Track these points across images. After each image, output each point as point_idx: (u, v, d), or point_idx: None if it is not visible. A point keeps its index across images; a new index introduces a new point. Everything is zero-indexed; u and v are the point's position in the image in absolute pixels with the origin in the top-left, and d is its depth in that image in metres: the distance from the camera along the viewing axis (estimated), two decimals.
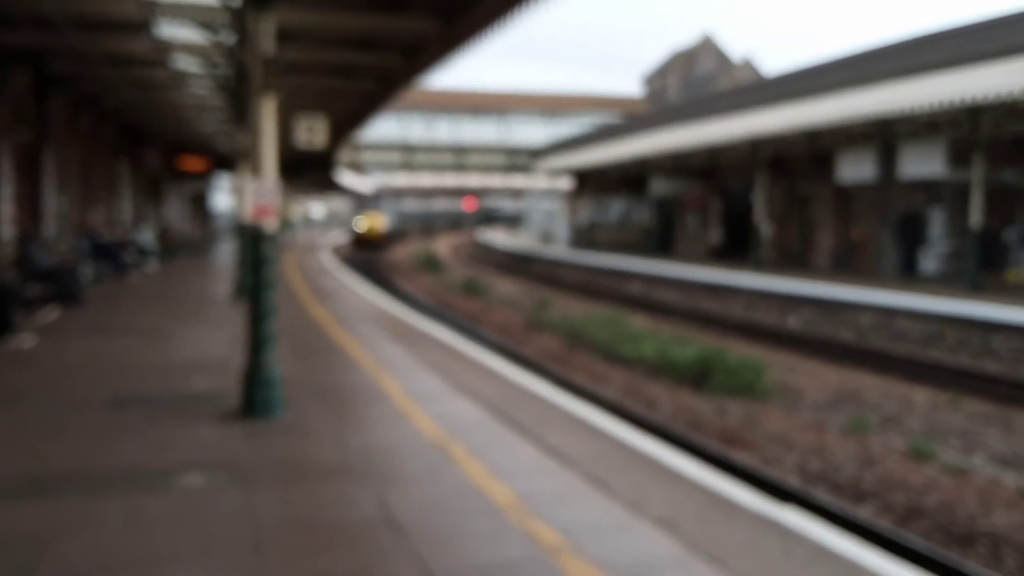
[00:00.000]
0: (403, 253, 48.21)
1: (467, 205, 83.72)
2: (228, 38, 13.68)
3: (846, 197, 29.06)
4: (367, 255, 41.34)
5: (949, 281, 23.47)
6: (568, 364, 14.83)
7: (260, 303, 7.38)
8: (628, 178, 43.93)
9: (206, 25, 13.73)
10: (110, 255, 20.68)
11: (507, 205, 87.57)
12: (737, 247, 35.76)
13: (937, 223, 25.00)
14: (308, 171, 37.59)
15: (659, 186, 40.09)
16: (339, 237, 54.81)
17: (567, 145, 48.60)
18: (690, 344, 15.16)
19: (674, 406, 11.59)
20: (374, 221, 48.68)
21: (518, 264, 41.85)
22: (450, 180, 75.24)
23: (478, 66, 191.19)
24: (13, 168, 16.50)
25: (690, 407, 11.51)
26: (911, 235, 26.04)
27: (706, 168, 37.18)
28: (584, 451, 6.49)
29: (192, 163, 34.59)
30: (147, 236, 26.07)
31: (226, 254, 32.53)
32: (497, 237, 62.50)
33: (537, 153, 54.51)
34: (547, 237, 56.91)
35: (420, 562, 4.36)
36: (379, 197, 56.48)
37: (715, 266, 30.90)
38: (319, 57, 17.15)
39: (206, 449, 6.42)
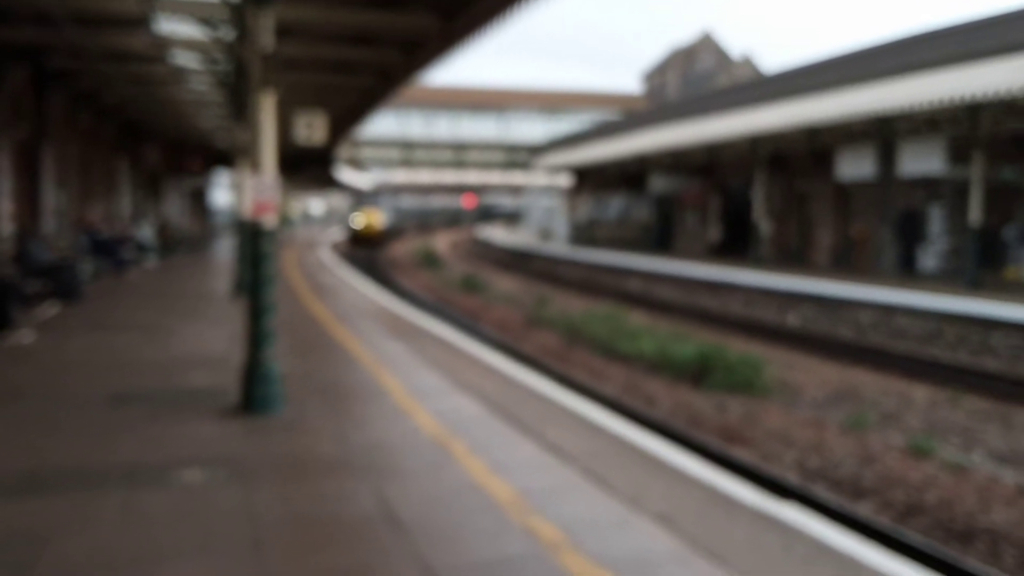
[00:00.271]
0: (402, 250, 48.18)
1: (466, 202, 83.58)
2: (227, 34, 13.66)
3: (845, 194, 29.07)
4: (366, 252, 40.98)
5: (948, 278, 23.47)
6: (567, 361, 14.83)
7: (259, 299, 7.38)
8: (627, 175, 43.91)
9: (205, 21, 13.71)
10: (109, 251, 20.66)
11: (506, 202, 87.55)
12: (736, 244, 35.75)
13: (936, 220, 25.00)
14: (307, 167, 37.59)
15: (658, 183, 40.07)
16: (338, 234, 54.65)
17: (566, 142, 48.58)
18: (689, 341, 15.16)
19: (673, 403, 11.60)
20: (371, 218, 47.47)
21: (517, 261, 41.85)
22: (449, 177, 75.22)
23: (477, 63, 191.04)
24: (12, 164, 16.48)
25: (689, 404, 11.51)
26: (910, 232, 26.04)
27: (705, 165, 37.17)
28: (583, 447, 6.49)
29: (191, 159, 34.57)
30: (146, 232, 26.05)
31: (225, 250, 32.51)
32: (496, 234, 62.49)
33: (536, 150, 54.51)
34: (546, 234, 56.90)
35: (420, 559, 4.36)
36: (376, 193, 55.14)
37: (714, 263, 30.90)
38: (318, 53, 17.14)
39: (206, 445, 6.42)
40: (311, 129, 16.38)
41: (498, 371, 9.74)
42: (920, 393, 12.59)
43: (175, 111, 26.19)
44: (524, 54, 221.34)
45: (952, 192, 24.05)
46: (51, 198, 18.98)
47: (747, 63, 72.54)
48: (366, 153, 69.51)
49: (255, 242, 7.39)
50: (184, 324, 12.99)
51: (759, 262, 29.68)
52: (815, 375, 13.85)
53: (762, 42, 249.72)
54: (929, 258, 25.08)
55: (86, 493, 5.29)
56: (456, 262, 41.91)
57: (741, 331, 18.56)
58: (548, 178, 61.33)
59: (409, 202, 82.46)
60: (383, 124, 65.64)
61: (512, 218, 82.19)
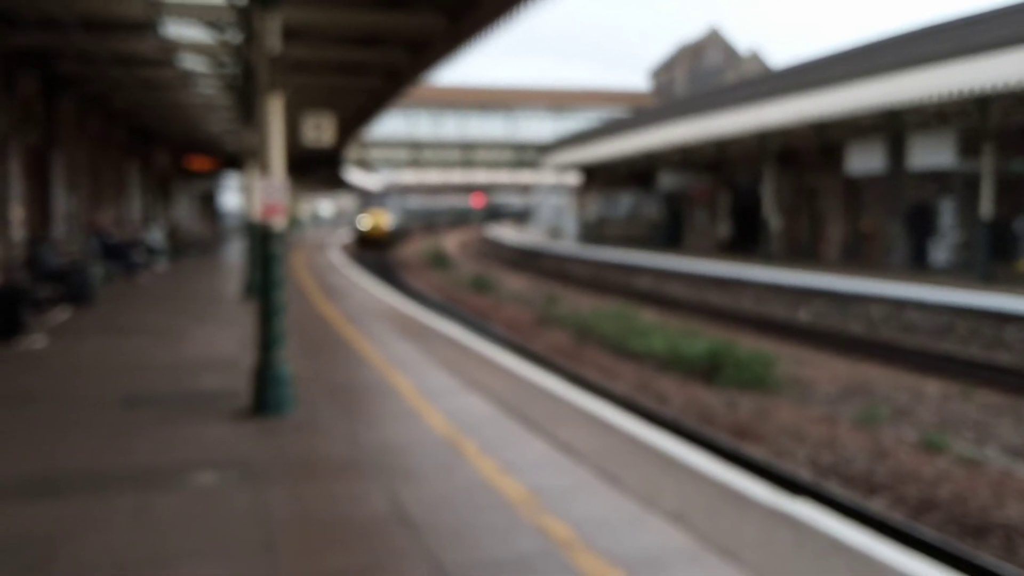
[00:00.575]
0: (411, 250, 48.20)
1: (475, 201, 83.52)
2: (235, 37, 13.69)
3: (855, 189, 28.97)
4: (375, 253, 40.76)
5: (959, 272, 23.38)
6: (578, 359, 14.82)
7: (269, 301, 7.39)
8: (636, 172, 43.86)
9: (212, 24, 13.74)
10: (120, 255, 20.73)
11: (514, 201, 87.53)
12: (746, 240, 35.67)
13: (947, 214, 24.90)
14: (316, 169, 37.64)
15: (667, 180, 40.01)
16: (347, 235, 54.69)
17: (574, 140, 48.54)
18: (700, 338, 15.13)
19: (684, 400, 11.58)
20: (379, 219, 46.31)
21: (527, 260, 41.85)
22: (457, 176, 75.24)
23: (485, 62, 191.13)
24: (22, 169, 16.54)
25: (701, 401, 11.49)
26: (921, 226, 25.94)
27: (714, 161, 37.10)
28: (595, 446, 6.49)
29: (200, 162, 34.65)
30: (156, 235, 26.12)
31: (235, 253, 32.59)
32: (505, 233, 62.50)
33: (544, 148, 54.48)
34: (555, 232, 56.89)
35: (432, 558, 4.37)
36: (384, 194, 54.02)
37: (724, 259, 30.84)
38: (326, 54, 17.15)
39: (217, 447, 6.44)
40: (319, 131, 16.40)
41: (509, 370, 9.74)
42: (932, 388, 12.53)
43: (184, 115, 26.26)
44: (531, 53, 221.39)
45: (962, 185, 23.94)
46: (62, 202, 19.05)
47: (755, 58, 72.34)
48: (375, 154, 69.61)
49: (264, 244, 7.41)
50: (195, 327, 13.03)
51: (769, 258, 29.60)
52: (826, 370, 13.81)
53: (770, 37, 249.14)
54: (940, 252, 24.98)
55: (98, 496, 5.32)
56: (465, 261, 41.93)
57: (752, 327, 18.51)
58: (556, 176, 61.26)
59: (416, 202, 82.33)
60: (391, 125, 65.72)
61: (520, 217, 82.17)
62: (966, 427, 10.37)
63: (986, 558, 6.35)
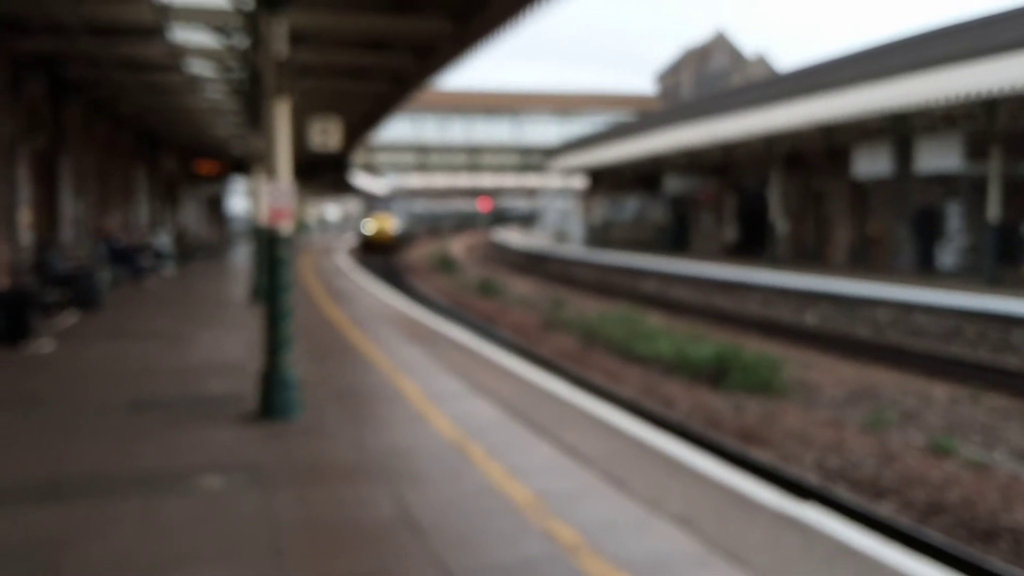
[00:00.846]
0: (417, 254, 48.22)
1: (481, 205, 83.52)
2: (241, 42, 13.72)
3: (862, 192, 28.92)
4: (381, 257, 40.45)
5: (967, 275, 23.31)
6: (584, 363, 14.81)
7: (276, 305, 7.41)
8: (642, 176, 43.83)
9: (219, 29, 13.77)
10: (127, 259, 20.80)
11: (520, 204, 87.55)
12: (752, 244, 35.63)
13: (954, 217, 24.84)
14: (323, 173, 37.69)
15: (673, 183, 39.98)
16: (354, 239, 54.72)
17: (580, 144, 48.55)
18: (706, 342, 15.11)
19: (691, 404, 11.57)
20: (384, 223, 45.46)
21: (533, 263, 41.85)
22: (464, 180, 75.29)
23: (491, 66, 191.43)
24: (30, 174, 16.60)
25: (707, 405, 11.47)
26: (928, 230, 25.88)
27: (720, 165, 37.06)
28: (601, 450, 6.48)
29: (207, 167, 34.74)
30: (164, 240, 26.19)
31: (242, 257, 32.67)
32: (511, 237, 62.51)
33: (551, 152, 54.49)
34: (561, 236, 56.89)
35: (439, 562, 4.37)
36: (389, 198, 52.99)
37: (730, 263, 30.80)
38: (332, 59, 17.18)
39: (225, 451, 6.45)
40: (326, 135, 16.42)
41: (515, 374, 9.75)
42: (940, 391, 12.50)
43: (191, 119, 26.32)
44: (537, 57, 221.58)
45: (969, 188, 23.88)
46: (69, 207, 19.11)
47: (761, 62, 72.33)
48: (381, 158, 69.67)
49: (271, 248, 7.42)
50: (202, 331, 13.06)
51: (775, 261, 29.56)
52: (833, 374, 13.77)
53: (776, 41, 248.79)
54: (947, 255, 24.92)
55: (106, 499, 5.33)
56: (472, 265, 41.94)
57: (758, 331, 18.48)
58: (562, 180, 61.27)
59: (422, 206, 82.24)
60: (398, 129, 65.76)
61: (526, 221, 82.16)
62: (974, 431, 10.33)
63: (995, 562, 6.32)
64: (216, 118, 25.80)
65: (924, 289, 19.69)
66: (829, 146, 28.54)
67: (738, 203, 37.68)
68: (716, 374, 12.88)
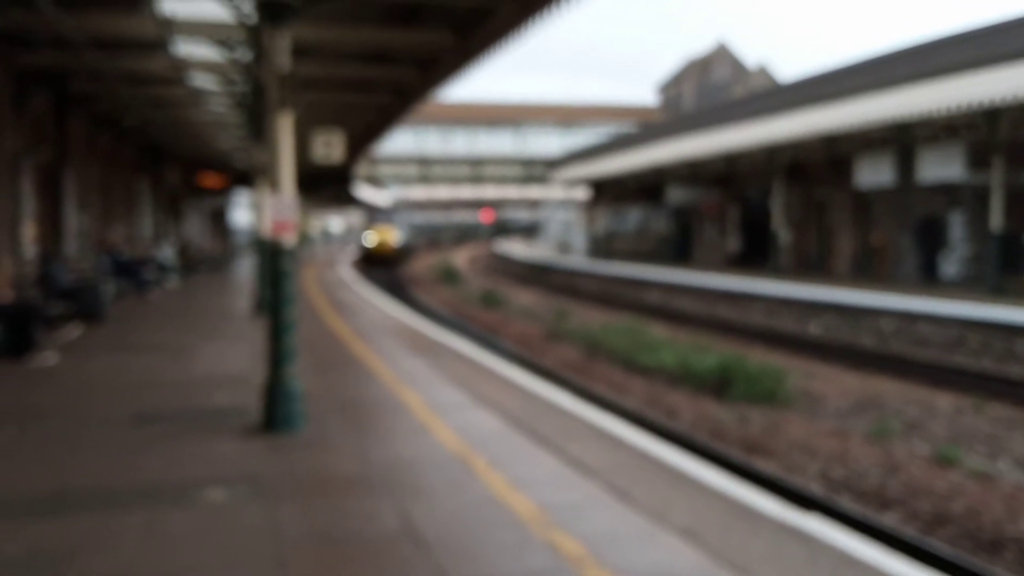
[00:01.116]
0: (421, 266, 48.23)
1: (484, 216, 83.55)
2: (244, 55, 13.77)
3: (864, 202, 28.93)
4: (384, 270, 40.03)
5: (970, 285, 23.29)
6: (588, 374, 14.80)
7: (279, 318, 7.42)
8: (645, 187, 43.88)
9: (222, 42, 13.83)
10: (131, 272, 20.82)
11: (522, 216, 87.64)
12: (755, 254, 35.63)
13: (957, 227, 24.83)
14: (326, 186, 37.69)
15: (676, 194, 40.02)
16: (357, 251, 54.65)
17: (583, 155, 48.63)
18: (710, 352, 15.10)
19: (695, 415, 11.55)
20: (386, 235, 44.32)
21: (536, 275, 41.85)
22: (466, 192, 75.39)
23: (493, 78, 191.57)
24: (34, 187, 16.65)
25: (711, 415, 11.46)
26: (931, 239, 25.87)
27: (723, 175, 37.10)
28: (605, 461, 6.47)
29: (211, 179, 34.82)
30: (167, 253, 26.22)
31: (246, 269, 32.69)
32: (514, 248, 62.55)
33: (553, 163, 54.58)
34: (564, 247, 56.93)
35: (443, 574, 4.36)
36: (392, 210, 51.92)
37: (734, 273, 30.80)
38: (335, 72, 17.24)
39: (228, 464, 6.45)
40: (329, 147, 16.48)
41: (518, 385, 9.74)
42: (944, 401, 12.47)
43: (194, 132, 26.40)
44: (540, 69, 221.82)
45: (972, 198, 23.89)
46: (73, 220, 19.15)
47: (763, 73, 72.43)
48: (384, 170, 69.85)
49: (275, 261, 7.44)
50: (205, 343, 13.07)
51: (779, 272, 29.55)
52: (837, 384, 13.75)
53: (777, 51, 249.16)
54: (950, 265, 24.90)
55: (109, 512, 5.33)
56: (475, 277, 41.96)
57: (762, 341, 18.47)
58: (565, 191, 61.33)
59: (423, 218, 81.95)
60: (400, 141, 65.98)
61: (529, 232, 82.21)
62: (978, 441, 10.31)
63: (1000, 573, 6.30)
64: (219, 131, 25.88)
65: (927, 299, 19.67)
66: (831, 156, 28.58)
67: (741, 213, 37.71)
68: (720, 385, 12.86)
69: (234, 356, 11.70)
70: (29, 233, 16.16)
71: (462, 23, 13.90)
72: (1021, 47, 18.26)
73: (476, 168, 74.02)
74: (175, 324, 15.86)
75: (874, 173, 26.21)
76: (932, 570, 4.86)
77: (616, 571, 4.40)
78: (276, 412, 7.32)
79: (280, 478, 6.09)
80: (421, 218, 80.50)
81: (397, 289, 31.30)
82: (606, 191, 48.90)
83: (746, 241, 37.41)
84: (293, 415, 7.36)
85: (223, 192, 39.41)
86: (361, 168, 49.47)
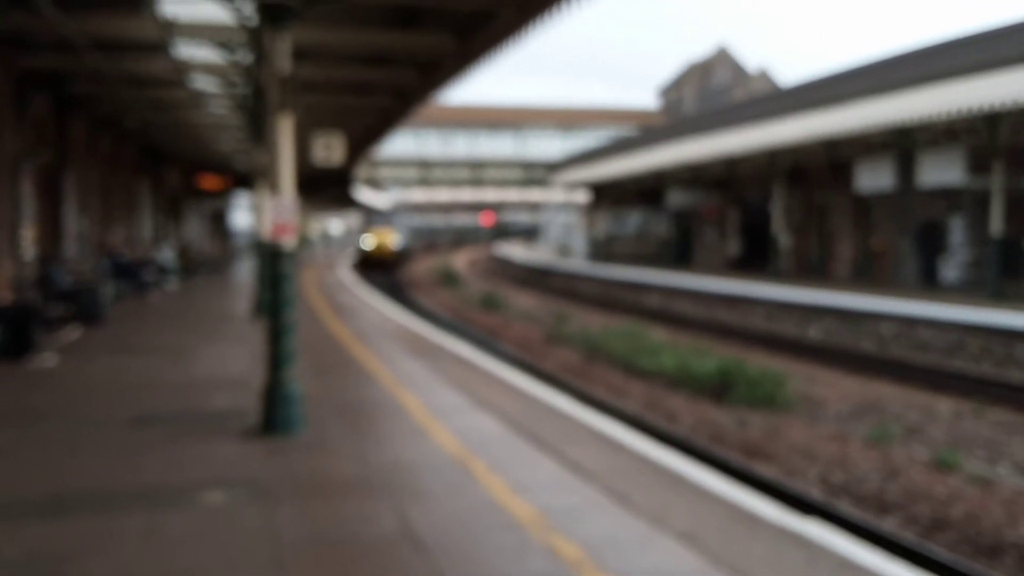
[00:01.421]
0: (420, 269, 48.20)
1: (484, 219, 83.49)
2: (245, 57, 13.79)
3: (865, 206, 28.93)
4: (383, 273, 39.54)
5: (970, 289, 23.28)
6: (587, 377, 14.79)
7: (279, 320, 7.42)
8: (645, 190, 43.90)
9: (223, 45, 13.84)
10: (131, 274, 20.83)
11: (521, 219, 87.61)
12: (755, 258, 35.63)
13: (957, 231, 24.83)
14: (326, 188, 37.70)
15: (676, 198, 40.04)
16: (355, 255, 54.54)
17: (583, 158, 48.65)
18: (710, 356, 15.09)
19: (695, 419, 11.54)
20: (384, 238, 43.15)
21: (536, 278, 41.83)
22: (467, 195, 75.38)
23: (494, 81, 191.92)
24: (34, 189, 16.66)
25: (711, 419, 11.45)
26: (931, 244, 25.87)
27: (723, 179, 37.12)
28: (605, 465, 6.46)
29: (211, 182, 34.83)
30: (167, 255, 26.24)
31: (245, 272, 32.70)
32: (514, 251, 62.55)
33: (553, 167, 54.59)
34: (564, 250, 56.93)
35: None
36: (391, 212, 50.81)
37: (734, 277, 30.79)
38: (336, 74, 17.25)
39: (227, 466, 6.44)
40: (329, 150, 16.48)
41: (518, 389, 9.73)
42: (944, 406, 12.46)
43: (195, 134, 26.42)
44: (540, 72, 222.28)
45: (972, 202, 23.89)
46: (73, 222, 19.16)
47: (763, 76, 72.49)
48: (384, 173, 69.78)
49: (274, 263, 7.44)
50: (205, 346, 13.06)
51: (779, 275, 29.55)
52: (837, 389, 13.74)
53: (778, 56, 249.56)
54: (950, 269, 24.89)
55: (108, 514, 5.32)
56: (475, 280, 41.94)
57: (762, 345, 18.45)
58: (566, 195, 61.33)
59: (422, 220, 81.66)
60: (401, 144, 65.90)
61: (529, 235, 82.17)
62: (978, 445, 10.29)
63: None
64: (220, 133, 25.89)
65: (928, 303, 19.66)
66: (832, 160, 28.59)
67: (741, 217, 37.72)
68: (720, 388, 12.85)
69: (233, 358, 11.69)
70: (29, 235, 16.16)
71: (463, 26, 13.91)
72: (1021, 52, 18.27)
73: (476, 171, 74.01)
74: (175, 326, 15.85)
75: (874, 177, 26.22)
76: (931, 575, 4.85)
77: (615, 575, 4.39)
78: (275, 415, 7.32)
79: (279, 481, 6.08)
80: (420, 221, 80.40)
81: (397, 292, 31.30)
82: (606, 194, 48.91)
83: (746, 245, 37.41)
84: (292, 418, 7.35)
85: (223, 194, 39.42)
86: (361, 171, 49.42)
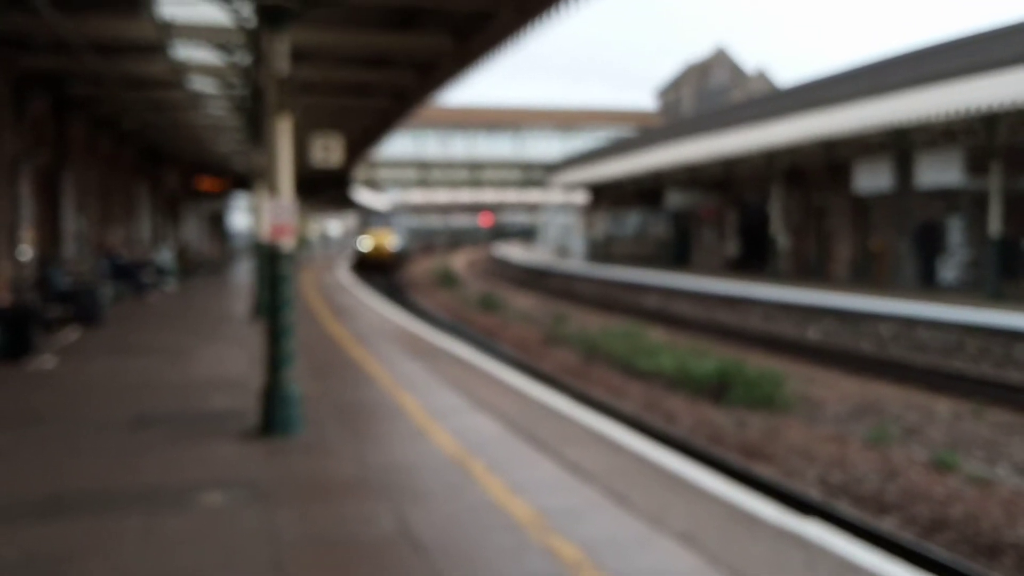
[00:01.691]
0: (419, 270, 48.19)
1: (483, 220, 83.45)
2: (243, 59, 13.79)
3: (863, 207, 28.94)
4: (381, 275, 39.24)
5: (969, 290, 23.30)
6: (586, 378, 14.79)
7: (278, 321, 7.41)
8: (643, 191, 43.91)
9: (222, 46, 13.83)
10: (129, 275, 20.83)
11: (522, 220, 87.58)
12: (754, 259, 35.64)
13: (955, 232, 24.84)
14: (325, 189, 37.69)
15: (675, 199, 40.05)
16: (352, 256, 54.36)
17: (582, 159, 48.66)
18: (709, 357, 15.09)
19: (693, 419, 11.54)
20: (382, 239, 41.99)
21: (534, 279, 41.83)
22: (465, 196, 75.34)
23: (493, 83, 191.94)
24: (33, 190, 16.65)
25: (710, 420, 11.45)
26: (929, 244, 25.88)
27: (722, 180, 37.13)
28: (603, 466, 6.47)
29: (209, 183, 34.83)
30: (166, 256, 26.24)
31: (244, 273, 32.69)
32: (513, 252, 62.55)
33: (552, 167, 54.60)
34: (563, 251, 56.93)
35: None
36: (389, 213, 49.92)
37: (732, 278, 30.80)
38: (334, 76, 17.25)
39: (226, 467, 6.44)
40: (328, 151, 16.46)
41: (516, 390, 9.73)
42: (943, 406, 12.46)
43: (193, 135, 26.41)
44: (539, 73, 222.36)
45: (971, 203, 23.90)
46: (71, 223, 19.15)
47: (761, 77, 72.51)
48: (383, 174, 69.71)
49: (273, 264, 7.43)
50: (204, 347, 13.06)
51: (777, 276, 29.56)
52: (836, 389, 13.75)
53: (776, 56, 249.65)
54: (949, 270, 24.91)
55: (107, 515, 5.32)
56: (473, 281, 41.94)
57: (761, 346, 18.46)
58: (564, 195, 61.32)
59: (419, 221, 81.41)
60: (399, 145, 65.79)
61: (527, 236, 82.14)
62: (977, 446, 10.30)
63: None
64: (218, 134, 25.89)
65: (926, 304, 19.67)
66: (830, 161, 28.59)
67: (740, 218, 37.72)
68: (718, 389, 12.85)
69: (232, 359, 11.69)
70: (27, 236, 16.15)
71: (461, 27, 13.92)
72: (1019, 53, 18.28)
73: (475, 172, 73.96)
74: (173, 327, 15.85)
75: (873, 178, 26.23)
76: (930, 575, 4.86)
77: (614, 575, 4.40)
78: (274, 416, 7.32)
79: (278, 482, 6.08)
80: (419, 222, 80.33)
81: (395, 293, 31.28)
82: (605, 195, 48.92)
83: (745, 245, 37.43)
84: (291, 419, 7.35)
85: (221, 195, 39.45)
86: (360, 172, 49.37)
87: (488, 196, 75.62)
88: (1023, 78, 18.02)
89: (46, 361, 11.32)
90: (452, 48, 14.65)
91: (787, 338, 19.54)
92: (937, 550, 6.82)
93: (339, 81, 18.02)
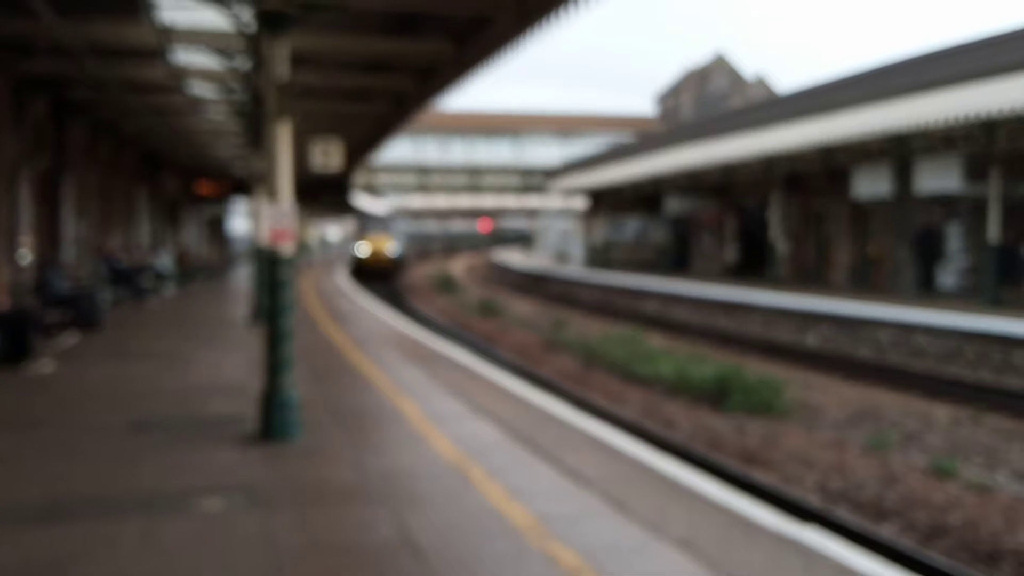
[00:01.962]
0: (418, 275, 48.18)
1: (482, 226, 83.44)
2: (243, 64, 13.80)
3: (862, 213, 28.95)
4: (379, 281, 38.09)
5: (967, 296, 23.30)
6: (585, 384, 14.79)
7: (277, 326, 7.41)
8: (643, 197, 43.93)
9: (221, 51, 13.85)
10: (128, 280, 20.82)
11: (521, 225, 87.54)
12: (753, 265, 35.65)
13: (954, 238, 24.85)
14: (324, 194, 37.67)
15: (674, 204, 40.07)
16: (350, 263, 54.16)
17: (581, 165, 48.67)
18: (707, 362, 15.09)
19: (692, 425, 11.53)
20: (380, 245, 41.18)
21: (533, 284, 41.83)
22: (464, 201, 75.36)
23: (492, 88, 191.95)
24: (32, 194, 16.66)
25: (709, 426, 11.45)
26: (928, 250, 25.89)
27: (721, 186, 37.14)
28: (602, 472, 6.46)
29: (209, 187, 34.84)
30: (165, 260, 26.23)
31: (243, 278, 32.68)
32: (512, 257, 62.54)
33: (551, 173, 54.62)
34: (562, 257, 56.93)
35: None
36: (387, 217, 49.31)
37: (731, 284, 30.81)
38: (333, 81, 17.27)
39: (225, 473, 6.43)
40: (327, 156, 16.46)
41: (516, 395, 9.73)
42: (942, 412, 12.47)
43: (193, 140, 26.42)
44: (538, 79, 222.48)
45: (969, 209, 23.91)
46: (71, 227, 19.15)
47: (761, 83, 72.56)
48: (382, 179, 69.73)
49: (272, 269, 7.43)
50: (203, 352, 13.05)
51: (776, 282, 29.56)
52: (835, 395, 13.75)
53: (775, 63, 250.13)
54: (948, 276, 24.92)
55: (106, 521, 5.31)
56: (473, 286, 41.92)
57: (760, 352, 18.46)
58: (563, 201, 61.36)
59: (418, 226, 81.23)
60: (399, 150, 65.81)
61: (526, 241, 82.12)
62: (976, 452, 10.30)
63: None
64: (218, 139, 25.90)
65: (925, 310, 19.67)
66: (829, 167, 28.61)
67: (739, 224, 37.73)
68: (717, 395, 12.85)
69: (231, 364, 11.68)
70: (27, 240, 16.15)
71: (461, 33, 13.93)
72: (1018, 59, 18.31)
73: (474, 177, 73.98)
74: (172, 332, 15.83)
75: (872, 184, 26.26)
76: None
77: None
78: (273, 421, 7.31)
79: (277, 487, 6.07)
80: (418, 227, 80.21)
81: (395, 298, 31.28)
82: (604, 201, 48.94)
83: (744, 251, 37.43)
84: (290, 424, 7.35)
85: (221, 200, 39.41)
86: (359, 177, 49.34)
87: (487, 201, 75.67)
88: (1022, 85, 18.04)
89: (45, 365, 11.31)
90: (451, 53, 14.67)
91: (786, 344, 19.54)
92: (936, 557, 6.82)
93: (339, 86, 18.03)
